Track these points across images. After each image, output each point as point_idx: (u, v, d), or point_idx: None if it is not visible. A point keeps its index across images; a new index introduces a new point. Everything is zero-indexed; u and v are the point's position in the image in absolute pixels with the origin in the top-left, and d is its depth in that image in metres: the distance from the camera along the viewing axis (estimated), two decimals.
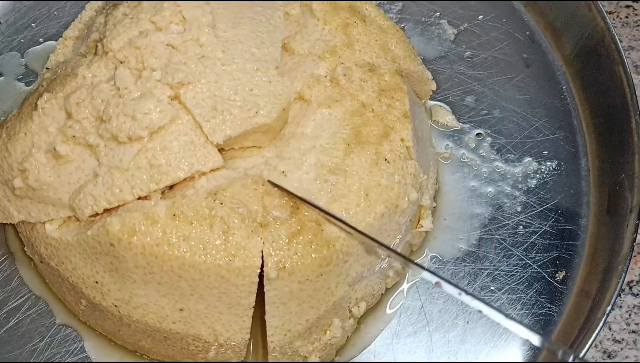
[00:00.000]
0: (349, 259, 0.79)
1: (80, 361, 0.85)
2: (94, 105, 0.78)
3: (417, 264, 0.78)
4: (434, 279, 0.74)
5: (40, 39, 1.04)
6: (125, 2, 0.83)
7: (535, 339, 0.72)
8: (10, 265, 0.90)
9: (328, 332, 0.82)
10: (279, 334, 0.79)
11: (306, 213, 0.78)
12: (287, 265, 0.76)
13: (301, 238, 0.77)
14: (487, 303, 0.72)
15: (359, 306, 0.84)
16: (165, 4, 0.81)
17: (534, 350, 0.89)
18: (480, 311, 0.72)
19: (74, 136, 0.78)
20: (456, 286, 0.73)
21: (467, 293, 0.72)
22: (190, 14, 0.81)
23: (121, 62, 0.79)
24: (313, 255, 0.77)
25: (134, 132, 0.76)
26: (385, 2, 1.09)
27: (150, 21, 0.80)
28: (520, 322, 0.73)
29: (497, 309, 0.71)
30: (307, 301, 0.78)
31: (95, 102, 0.78)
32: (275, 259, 0.76)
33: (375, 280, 0.85)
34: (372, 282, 0.85)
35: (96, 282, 0.80)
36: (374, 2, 0.97)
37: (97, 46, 0.82)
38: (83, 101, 0.78)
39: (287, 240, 0.76)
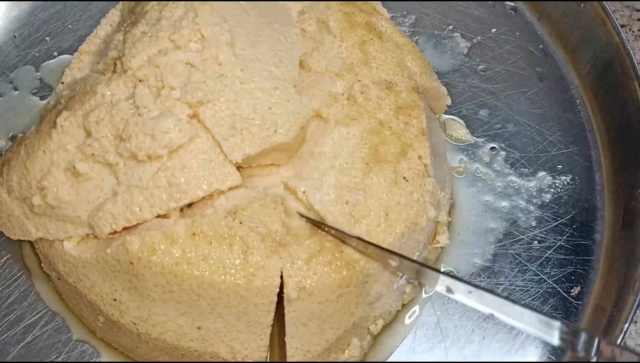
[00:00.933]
0: (369, 280, 0.79)
1: None
2: (113, 123, 0.78)
3: (435, 269, 0.78)
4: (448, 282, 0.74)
5: (55, 53, 1.04)
6: (143, 20, 0.83)
7: (555, 326, 0.69)
8: (27, 281, 0.91)
9: (347, 351, 0.82)
10: (298, 355, 0.79)
11: (326, 235, 0.78)
12: (307, 286, 0.76)
13: (321, 258, 0.77)
14: (499, 295, 0.71)
15: (376, 324, 0.84)
16: (184, 22, 0.81)
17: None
18: (492, 315, 0.72)
19: (93, 155, 0.78)
20: (469, 283, 0.73)
21: (478, 287, 0.72)
22: (208, 32, 0.81)
23: (140, 81, 0.79)
24: (333, 276, 0.77)
25: (153, 151, 0.76)
26: (399, 16, 1.09)
27: (170, 39, 0.80)
28: (534, 309, 0.71)
29: (509, 299, 0.71)
30: (327, 321, 0.78)
31: (114, 120, 0.78)
32: (296, 280, 0.76)
33: (393, 298, 0.85)
34: (390, 300, 0.85)
35: (114, 300, 0.80)
36: (388, 16, 0.97)
37: (115, 64, 0.82)
38: (102, 120, 0.78)
39: (307, 261, 0.77)
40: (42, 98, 1.01)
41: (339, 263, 0.78)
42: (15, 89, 1.02)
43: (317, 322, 0.78)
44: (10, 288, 0.90)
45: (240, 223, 0.77)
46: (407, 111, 0.86)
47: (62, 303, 0.89)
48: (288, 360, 0.79)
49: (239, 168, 0.80)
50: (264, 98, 0.80)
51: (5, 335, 0.87)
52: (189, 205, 0.80)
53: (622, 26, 1.17)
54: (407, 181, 0.82)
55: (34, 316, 0.89)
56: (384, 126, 0.84)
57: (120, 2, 0.96)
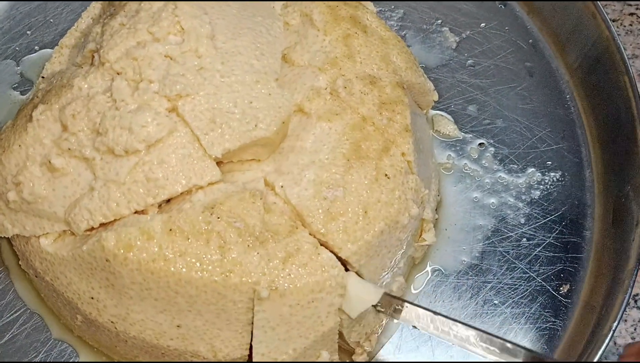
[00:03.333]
0: (344, 293, 0.77)
1: None
2: (90, 117, 0.76)
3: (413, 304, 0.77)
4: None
5: (36, 47, 1.02)
6: (122, 12, 0.81)
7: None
8: (5, 278, 0.89)
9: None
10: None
11: (305, 234, 0.76)
12: (279, 286, 0.74)
13: (297, 258, 0.75)
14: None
15: (370, 340, 0.82)
16: (163, 14, 0.79)
17: None
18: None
19: (69, 149, 0.76)
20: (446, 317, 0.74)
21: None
22: (188, 24, 0.79)
23: (118, 74, 0.77)
24: (306, 278, 0.74)
25: (130, 145, 0.75)
26: (387, 10, 1.08)
27: (148, 32, 0.78)
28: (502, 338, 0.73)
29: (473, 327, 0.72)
30: (296, 328, 0.76)
31: (91, 114, 0.76)
32: (269, 278, 0.74)
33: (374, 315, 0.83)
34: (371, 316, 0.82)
35: (92, 298, 0.78)
36: (374, 11, 0.95)
37: (93, 57, 0.81)
38: (79, 113, 0.76)
39: (283, 260, 0.75)
40: (22, 93, 1.00)
41: (314, 266, 0.75)
42: None
43: (286, 327, 0.76)
44: None
45: (218, 218, 0.75)
46: (390, 106, 0.84)
47: (41, 301, 0.88)
48: None
49: (218, 163, 0.79)
50: (244, 92, 0.78)
51: None
52: (168, 201, 0.78)
53: (613, 21, 1.15)
54: (388, 178, 0.81)
55: (12, 314, 0.87)
56: (366, 122, 0.83)
57: None
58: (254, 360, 0.77)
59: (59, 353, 0.85)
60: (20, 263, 0.86)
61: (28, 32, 1.03)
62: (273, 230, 0.76)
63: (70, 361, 0.85)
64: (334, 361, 0.81)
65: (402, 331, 0.89)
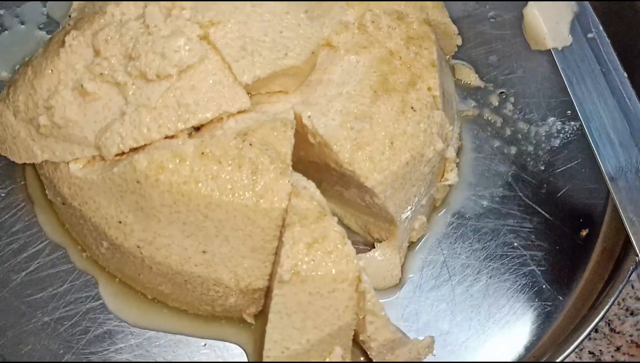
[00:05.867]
0: (365, 287, 0.76)
1: (100, 306, 0.85)
2: (123, 42, 0.77)
3: None
4: None
5: None
6: None
7: None
8: (31, 210, 0.90)
9: (327, 359, 0.78)
10: (276, 350, 0.76)
11: (333, 222, 0.76)
12: (301, 271, 0.74)
13: (323, 246, 0.74)
14: None
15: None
16: None
17: (556, 305, 0.88)
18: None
19: (101, 74, 0.77)
20: None
21: None
22: None
23: (151, 0, 0.78)
24: (330, 266, 0.74)
25: (162, 70, 0.75)
26: None
27: None
28: None
29: None
30: (312, 318, 0.75)
31: (124, 39, 0.77)
32: (292, 262, 0.74)
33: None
34: None
35: (120, 222, 0.79)
36: None
37: None
38: (112, 39, 0.77)
39: (309, 245, 0.74)
40: (48, 33, 1.01)
41: (339, 255, 0.75)
42: (22, 23, 1.01)
43: (302, 316, 0.75)
44: (14, 217, 0.89)
45: (250, 144, 0.76)
46: (417, 41, 0.85)
47: (65, 233, 0.89)
48: (265, 354, 0.76)
49: (247, 93, 0.79)
50: (275, 21, 0.79)
51: (9, 262, 0.87)
52: (197, 129, 0.79)
53: None
54: (414, 111, 0.82)
55: (37, 245, 0.88)
56: (394, 56, 0.84)
57: None
58: (265, 345, 0.76)
59: (84, 283, 0.86)
60: (46, 192, 0.87)
61: None
62: (301, 214, 0.76)
63: (95, 291, 0.86)
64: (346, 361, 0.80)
65: (423, 270, 0.90)
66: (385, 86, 0.81)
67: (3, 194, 0.90)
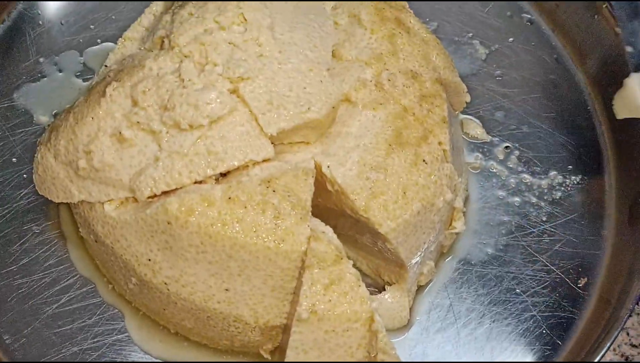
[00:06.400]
0: (378, 327, 0.81)
1: (125, 338, 0.90)
2: (159, 94, 0.84)
3: None
4: None
5: (98, 40, 1.10)
6: (191, 2, 0.89)
7: None
8: (64, 246, 0.96)
9: None
10: None
11: (348, 265, 0.83)
12: (319, 310, 0.80)
13: (340, 287, 0.81)
14: None
15: None
16: (229, 5, 0.87)
17: (555, 349, 0.93)
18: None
19: (138, 122, 0.84)
20: None
21: None
22: (251, 15, 0.87)
23: (186, 57, 0.85)
24: (345, 306, 0.80)
25: (195, 120, 0.82)
26: (422, 21, 1.16)
27: (215, 21, 0.87)
28: None
29: None
30: (327, 354, 0.81)
31: (160, 91, 0.84)
32: (311, 302, 0.80)
33: None
34: None
35: (149, 260, 0.84)
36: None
37: (163, 42, 0.89)
38: (149, 90, 0.84)
39: (326, 286, 0.80)
40: (84, 80, 1.07)
41: (354, 296, 0.81)
42: (60, 70, 1.08)
43: (318, 353, 0.81)
44: (48, 252, 0.95)
45: (274, 191, 0.82)
46: (430, 99, 0.92)
47: (95, 268, 0.94)
48: None
49: (272, 143, 0.86)
50: (299, 78, 0.86)
51: (42, 295, 0.92)
52: (224, 175, 0.85)
53: None
54: (426, 163, 0.88)
55: (68, 279, 0.94)
56: (408, 112, 0.90)
57: None
58: None
59: (111, 316, 0.92)
60: (80, 230, 0.93)
61: (91, 26, 1.12)
62: (319, 257, 0.82)
63: (122, 324, 0.91)
64: None
65: (430, 314, 0.95)
66: (399, 140, 0.87)
67: (38, 231, 0.96)
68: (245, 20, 0.87)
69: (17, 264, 0.94)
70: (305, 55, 0.88)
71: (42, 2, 1.12)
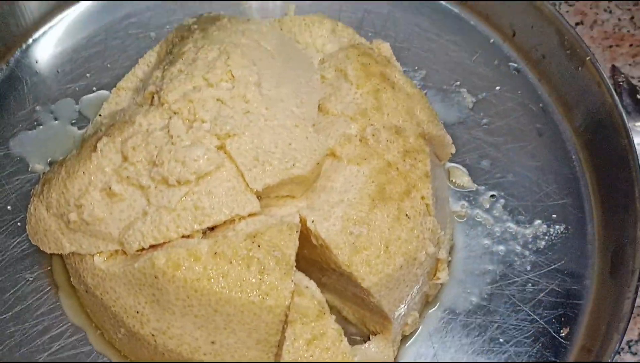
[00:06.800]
0: None
1: None
2: (148, 150, 0.86)
3: None
4: None
5: (94, 88, 1.13)
6: (181, 60, 0.92)
7: None
8: (55, 295, 0.98)
9: None
10: None
11: (331, 321, 0.85)
12: None
13: (322, 342, 0.84)
14: None
15: None
16: (217, 63, 0.90)
17: None
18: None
19: (128, 177, 0.86)
20: None
21: None
22: (238, 73, 0.90)
23: (175, 113, 0.88)
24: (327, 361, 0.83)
25: (183, 176, 0.84)
26: (410, 70, 1.19)
27: (203, 78, 0.89)
28: None
29: None
30: None
31: (149, 147, 0.86)
32: (293, 356, 0.83)
33: None
34: None
35: (137, 312, 0.86)
36: (401, 70, 1.06)
37: (153, 98, 0.91)
38: (138, 146, 0.86)
39: (308, 342, 0.83)
40: (79, 128, 1.10)
41: (336, 351, 0.84)
42: (56, 119, 1.11)
43: None
44: (40, 301, 0.97)
45: (259, 246, 0.84)
46: (413, 154, 0.94)
47: (86, 317, 0.96)
48: None
49: (258, 197, 0.88)
50: (285, 134, 0.88)
51: (34, 343, 0.94)
52: (212, 229, 0.87)
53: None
54: (408, 218, 0.90)
55: (60, 327, 0.95)
56: (391, 167, 0.92)
57: (158, 44, 1.06)
58: None
59: None
60: (71, 279, 0.95)
61: (87, 74, 1.15)
62: (302, 312, 0.85)
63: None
64: None
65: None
66: (383, 195, 0.90)
67: (31, 279, 0.98)
68: (233, 77, 0.90)
69: (10, 312, 0.96)
70: (292, 111, 0.90)
71: (38, 50, 1.15)
